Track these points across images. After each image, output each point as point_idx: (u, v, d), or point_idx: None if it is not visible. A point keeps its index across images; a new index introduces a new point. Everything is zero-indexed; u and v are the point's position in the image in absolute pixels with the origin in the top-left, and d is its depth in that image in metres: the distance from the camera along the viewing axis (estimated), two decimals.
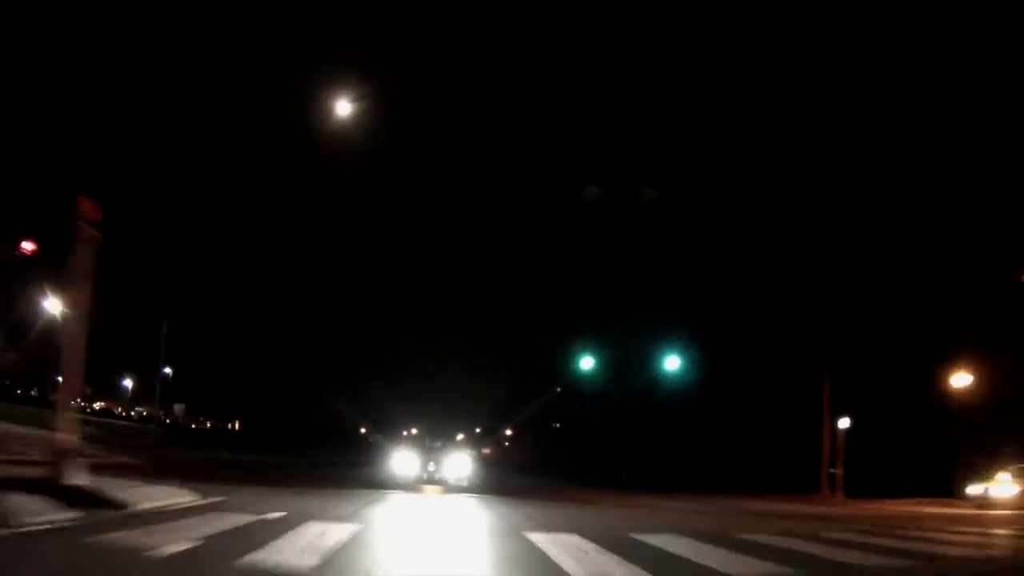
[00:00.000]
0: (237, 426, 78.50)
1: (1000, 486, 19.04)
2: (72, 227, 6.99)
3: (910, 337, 25.24)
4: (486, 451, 44.95)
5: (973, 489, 19.93)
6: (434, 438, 22.44)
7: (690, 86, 33.41)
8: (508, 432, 59.87)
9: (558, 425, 52.58)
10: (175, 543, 4.79)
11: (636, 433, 38.59)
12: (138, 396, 71.19)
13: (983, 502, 19.05)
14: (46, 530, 5.20)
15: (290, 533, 5.78)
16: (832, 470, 24.90)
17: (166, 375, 63.02)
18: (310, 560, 4.64)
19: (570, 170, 37.55)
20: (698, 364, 25.78)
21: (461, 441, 29.42)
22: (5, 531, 4.90)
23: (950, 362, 24.59)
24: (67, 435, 6.91)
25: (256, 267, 42.26)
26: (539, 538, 6.43)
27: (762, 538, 7.59)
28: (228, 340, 49.95)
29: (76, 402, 7.92)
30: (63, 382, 7.42)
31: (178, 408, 39.23)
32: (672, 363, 23.54)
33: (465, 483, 18.17)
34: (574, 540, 6.40)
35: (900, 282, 25.33)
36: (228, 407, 74.24)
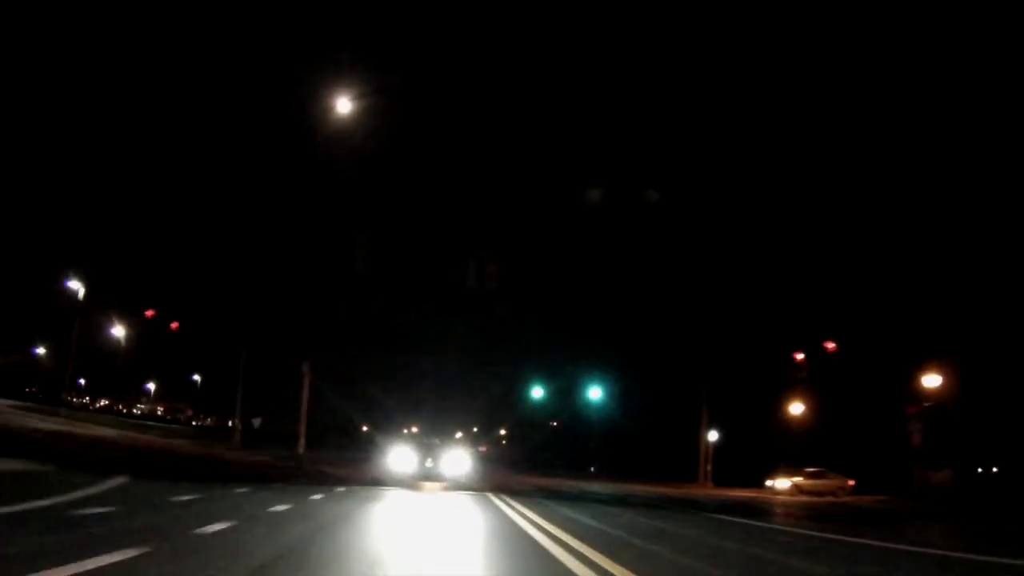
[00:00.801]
0: (238, 424, 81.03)
1: (780, 481, 30.47)
2: (301, 376, 18.27)
3: (762, 378, 36.69)
4: (482, 448, 46.77)
5: (768, 482, 31.33)
6: (432, 436, 23.65)
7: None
8: (502, 432, 63.39)
9: (555, 424, 55.74)
10: (366, 479, 16.08)
11: (593, 439, 49.88)
12: (160, 397, 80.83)
13: (770, 491, 30.42)
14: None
15: (379, 489, 16.47)
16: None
17: (195, 382, 70.10)
18: (392, 485, 15.76)
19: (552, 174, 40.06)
20: (621, 392, 37.22)
21: (460, 439, 32.92)
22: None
23: (789, 396, 36.15)
24: (303, 445, 18.26)
25: (256, 267, 40.40)
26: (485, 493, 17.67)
27: (577, 490, 18.95)
28: (230, 339, 48.13)
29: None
30: (301, 437, 18.76)
31: (256, 421, 44.39)
32: (595, 393, 34.83)
33: (463, 479, 18.90)
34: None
35: (755, 339, 36.58)
36: (228, 405, 75.61)
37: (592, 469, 46.67)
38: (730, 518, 14.10)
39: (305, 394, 18.66)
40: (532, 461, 49.01)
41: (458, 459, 19.78)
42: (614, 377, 36.20)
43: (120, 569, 4.04)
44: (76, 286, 37.43)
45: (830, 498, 29.23)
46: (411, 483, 17.46)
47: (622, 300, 38.66)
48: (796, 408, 35.67)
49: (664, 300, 37.40)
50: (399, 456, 19.12)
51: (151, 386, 77.12)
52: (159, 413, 79.82)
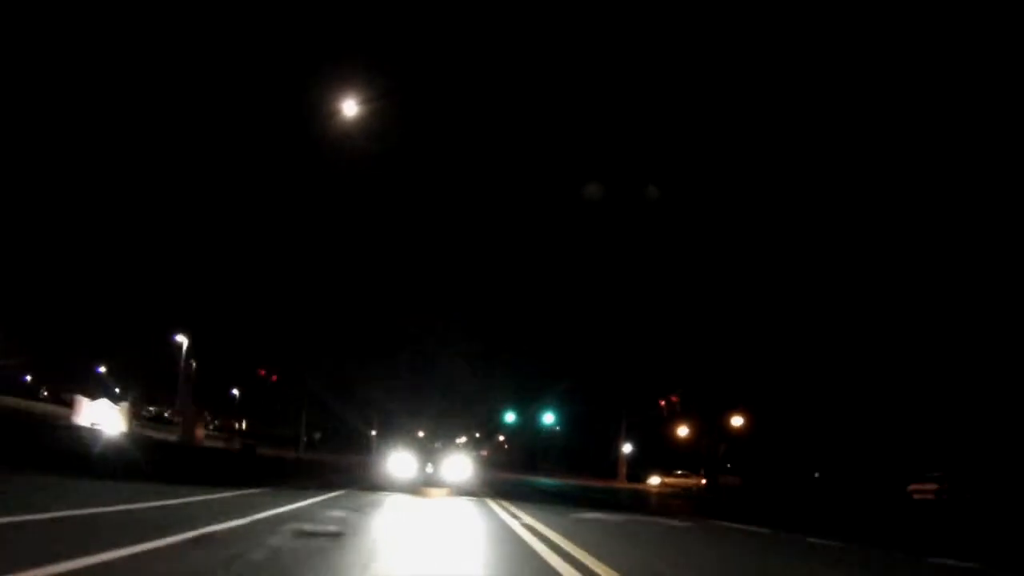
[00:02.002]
0: (244, 425, 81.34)
1: (653, 479, 47.95)
2: (370, 420, 35.32)
3: (655, 411, 54.26)
4: (483, 453, 50.61)
5: (648, 479, 48.77)
6: (434, 440, 23.11)
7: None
8: (501, 438, 70.17)
9: (558, 428, 62.11)
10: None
11: (556, 449, 67.10)
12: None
13: (646, 486, 47.73)
14: None
15: (382, 493, 15.90)
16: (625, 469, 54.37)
17: (234, 396, 77.05)
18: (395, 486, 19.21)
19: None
20: (569, 418, 54.69)
21: (462, 444, 34.08)
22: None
23: (670, 424, 53.77)
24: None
25: (259, 269, 41.56)
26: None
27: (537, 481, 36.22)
28: (236, 341, 50.16)
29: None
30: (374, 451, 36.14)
31: (317, 434, 52.29)
32: (548, 418, 52.20)
33: (464, 484, 18.59)
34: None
35: (651, 385, 53.75)
36: (234, 405, 77.29)
37: (559, 469, 63.96)
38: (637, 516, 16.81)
39: (374, 434, 33.72)
40: (523, 463, 61.95)
41: (460, 464, 19.65)
42: (565, 407, 53.51)
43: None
44: (182, 339, 43.47)
45: (686, 491, 46.35)
46: (414, 488, 17.53)
47: (567, 352, 54.85)
48: (682, 431, 53.37)
49: (592, 353, 53.66)
50: (400, 461, 18.85)
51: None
52: (166, 416, 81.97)
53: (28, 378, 74.35)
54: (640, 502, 24.66)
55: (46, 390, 76.53)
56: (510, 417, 49.70)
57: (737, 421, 43.57)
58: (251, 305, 43.18)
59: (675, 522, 14.14)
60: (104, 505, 7.75)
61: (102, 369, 65.06)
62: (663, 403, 48.32)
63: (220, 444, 38.83)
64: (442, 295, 45.83)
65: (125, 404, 37.46)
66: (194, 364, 50.08)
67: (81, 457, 16.05)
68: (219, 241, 38.63)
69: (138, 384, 52.91)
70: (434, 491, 17.49)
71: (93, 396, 37.52)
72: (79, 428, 28.82)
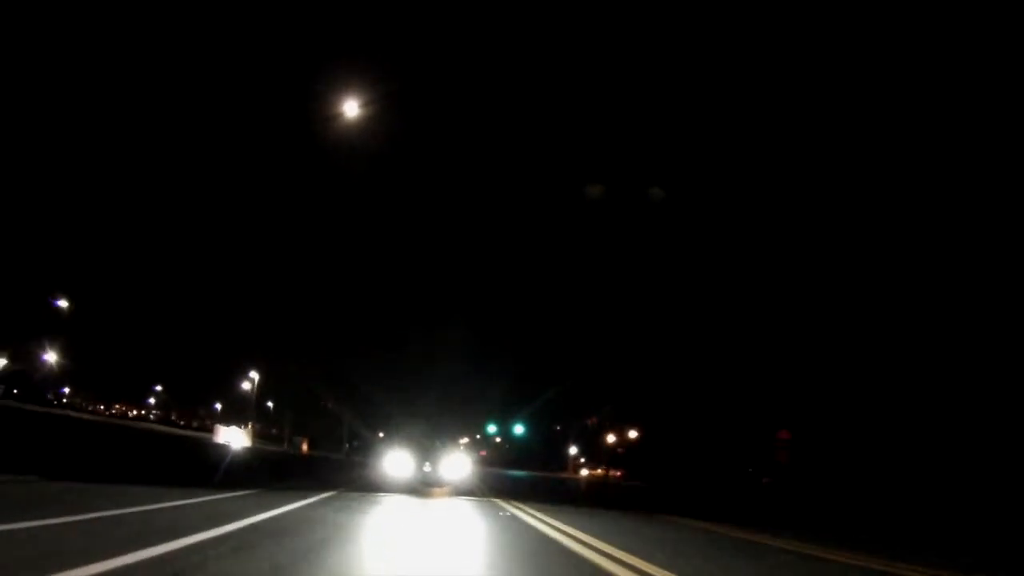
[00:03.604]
0: (250, 427, 74.69)
1: (583, 471, 62.94)
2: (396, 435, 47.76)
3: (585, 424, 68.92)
4: (482, 453, 52.96)
5: (580, 472, 63.20)
6: (433, 440, 22.24)
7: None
8: (498, 439, 71.56)
9: (559, 428, 70.31)
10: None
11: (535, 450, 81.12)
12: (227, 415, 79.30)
13: (579, 476, 62.04)
14: None
15: (383, 493, 15.24)
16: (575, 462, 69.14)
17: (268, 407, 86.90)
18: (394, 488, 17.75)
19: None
20: (534, 430, 68.74)
21: (464, 445, 34.60)
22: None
23: (605, 431, 68.40)
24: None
25: (261, 271, 39.84)
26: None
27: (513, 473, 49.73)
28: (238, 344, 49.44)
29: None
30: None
31: (355, 443, 55.15)
32: (519, 429, 66.10)
33: (462, 484, 18.10)
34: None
35: (588, 401, 68.30)
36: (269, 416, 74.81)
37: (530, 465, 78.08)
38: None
39: (397, 450, 43.24)
40: (507, 461, 65.42)
41: (458, 463, 18.97)
42: (535, 418, 67.41)
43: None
44: (253, 374, 52.29)
45: (601, 479, 59.92)
46: (412, 487, 16.82)
47: (539, 370, 68.31)
48: (611, 438, 68.04)
49: (553, 375, 67.52)
50: (397, 460, 17.93)
51: (218, 405, 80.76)
52: (172, 418, 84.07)
53: (66, 390, 77.42)
54: (579, 493, 29.89)
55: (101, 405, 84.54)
56: (492, 428, 62.87)
57: (632, 433, 58.09)
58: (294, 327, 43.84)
59: (591, 509, 16.95)
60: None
61: (159, 387, 76.15)
62: (589, 421, 63.11)
63: (317, 453, 50.62)
64: (443, 297, 44.77)
65: (249, 427, 49.37)
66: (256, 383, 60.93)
67: (214, 467, 17.85)
68: (251, 264, 38.57)
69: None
70: (435, 489, 17.33)
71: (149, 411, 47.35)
72: (218, 445, 38.71)
